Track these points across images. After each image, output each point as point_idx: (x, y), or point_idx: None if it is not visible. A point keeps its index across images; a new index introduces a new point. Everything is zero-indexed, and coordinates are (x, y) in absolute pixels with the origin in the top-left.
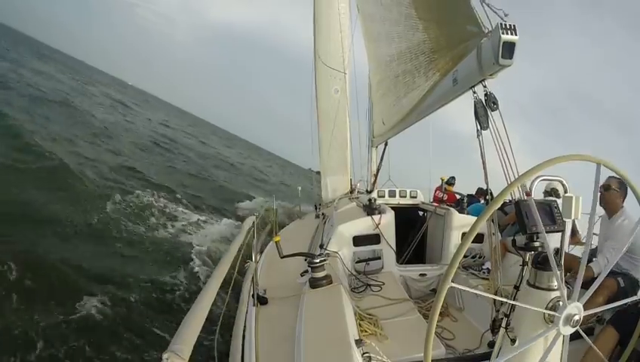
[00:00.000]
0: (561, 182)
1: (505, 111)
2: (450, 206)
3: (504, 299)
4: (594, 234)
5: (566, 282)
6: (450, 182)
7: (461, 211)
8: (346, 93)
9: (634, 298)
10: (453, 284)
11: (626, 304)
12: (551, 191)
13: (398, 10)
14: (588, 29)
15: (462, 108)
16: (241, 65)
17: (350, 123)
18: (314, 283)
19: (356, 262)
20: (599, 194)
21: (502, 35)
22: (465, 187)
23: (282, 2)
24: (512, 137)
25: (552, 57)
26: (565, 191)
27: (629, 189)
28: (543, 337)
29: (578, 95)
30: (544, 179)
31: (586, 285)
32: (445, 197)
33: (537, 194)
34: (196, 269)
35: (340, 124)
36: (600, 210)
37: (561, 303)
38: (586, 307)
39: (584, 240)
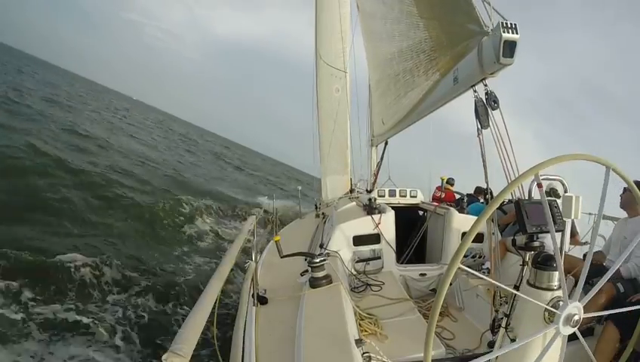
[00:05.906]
0: (561, 181)
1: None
2: (450, 205)
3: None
4: (599, 235)
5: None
6: (450, 182)
7: (461, 211)
8: (346, 92)
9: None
10: (462, 266)
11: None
12: (550, 192)
13: (400, 7)
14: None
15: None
16: (250, 77)
17: (351, 122)
18: (314, 283)
19: (356, 262)
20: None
21: (503, 34)
22: (465, 187)
23: (283, 16)
24: (523, 134)
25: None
26: (565, 191)
27: None
28: (542, 337)
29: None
30: (544, 179)
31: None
32: (443, 195)
33: (536, 194)
34: None
35: (340, 124)
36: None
37: (561, 303)
38: (585, 309)
39: (583, 241)
